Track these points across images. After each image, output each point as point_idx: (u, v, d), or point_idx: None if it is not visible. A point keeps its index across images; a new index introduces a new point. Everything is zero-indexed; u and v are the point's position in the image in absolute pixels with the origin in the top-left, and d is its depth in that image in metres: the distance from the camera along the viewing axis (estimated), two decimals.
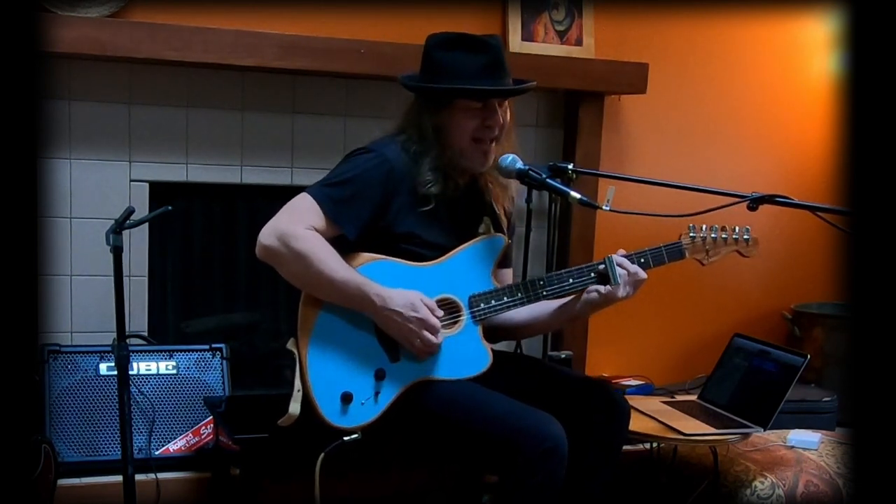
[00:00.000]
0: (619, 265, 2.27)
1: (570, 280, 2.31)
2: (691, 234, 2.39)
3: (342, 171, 2.25)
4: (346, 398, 2.19)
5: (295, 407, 2.17)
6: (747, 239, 2.44)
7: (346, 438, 2.16)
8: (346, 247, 2.21)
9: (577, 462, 2.17)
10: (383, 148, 2.27)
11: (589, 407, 2.28)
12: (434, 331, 2.18)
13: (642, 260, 2.33)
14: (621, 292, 2.26)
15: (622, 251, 2.33)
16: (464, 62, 2.22)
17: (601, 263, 2.29)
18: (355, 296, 2.17)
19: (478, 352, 2.30)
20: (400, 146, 2.28)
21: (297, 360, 2.21)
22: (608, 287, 2.27)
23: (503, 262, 2.43)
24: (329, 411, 2.19)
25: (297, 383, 2.20)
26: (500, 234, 2.38)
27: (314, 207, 2.18)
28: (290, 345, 2.26)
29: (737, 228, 2.42)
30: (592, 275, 2.30)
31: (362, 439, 2.18)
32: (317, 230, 2.17)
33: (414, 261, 2.27)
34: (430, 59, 2.27)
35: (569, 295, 2.34)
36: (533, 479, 2.07)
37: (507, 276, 2.52)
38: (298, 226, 2.15)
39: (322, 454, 2.15)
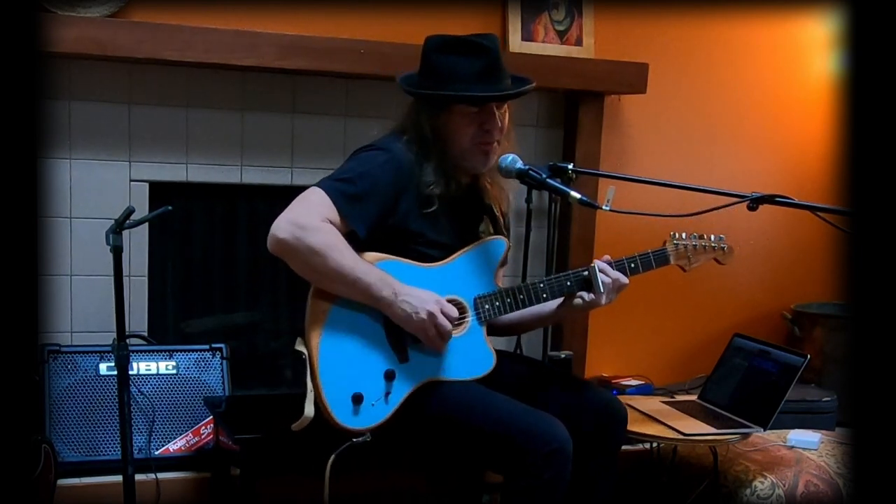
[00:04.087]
0: (602, 272, 2.29)
1: (569, 283, 2.34)
2: (675, 242, 2.44)
3: (352, 167, 2.24)
4: (357, 399, 2.19)
5: (310, 409, 2.14)
6: (723, 248, 2.49)
7: (355, 440, 2.15)
8: (354, 247, 2.19)
9: (577, 467, 2.17)
10: (391, 145, 2.26)
11: (586, 413, 2.30)
12: (451, 317, 2.18)
13: (632, 265, 2.37)
14: (604, 300, 2.30)
15: (607, 257, 2.35)
16: (460, 66, 2.22)
17: (586, 270, 2.32)
18: (373, 287, 2.15)
19: (483, 353, 2.32)
20: (404, 145, 2.28)
21: (307, 358, 2.18)
22: (591, 295, 2.30)
23: (503, 261, 2.44)
24: (340, 413, 2.18)
25: (309, 384, 2.17)
26: (502, 238, 2.40)
27: (326, 202, 2.15)
28: (299, 345, 2.22)
29: (712, 237, 2.48)
30: (586, 273, 2.32)
31: (370, 440, 2.17)
32: (331, 223, 2.15)
33: (420, 260, 2.27)
34: (428, 61, 2.28)
35: (566, 295, 2.36)
36: (539, 480, 2.08)
37: (501, 273, 2.54)
38: (314, 218, 2.12)
39: (332, 456, 2.13)
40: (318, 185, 2.19)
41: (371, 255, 2.23)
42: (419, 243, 2.27)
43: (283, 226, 2.12)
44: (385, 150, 2.25)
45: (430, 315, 2.15)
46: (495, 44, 2.27)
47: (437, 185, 2.25)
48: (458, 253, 2.32)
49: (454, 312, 2.19)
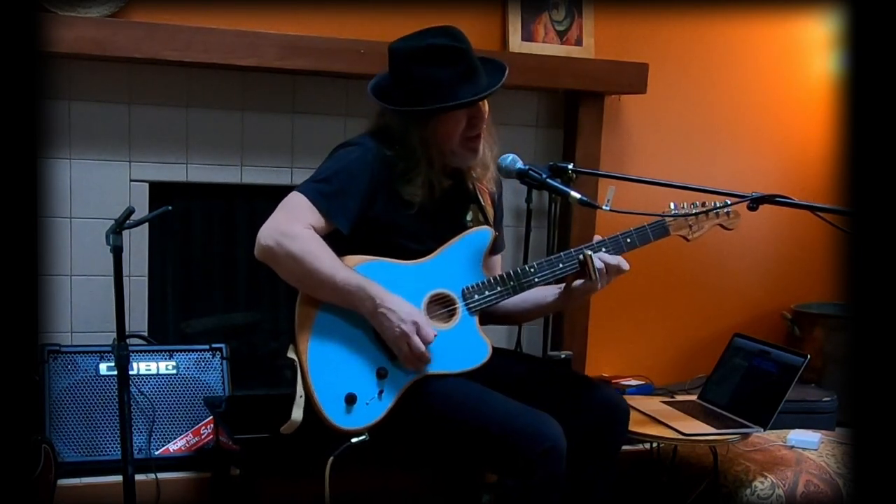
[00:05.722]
0: (601, 259, 2.27)
1: (560, 265, 2.32)
2: (674, 211, 2.40)
3: (328, 166, 2.28)
4: (351, 399, 2.19)
5: (298, 413, 2.16)
6: (728, 212, 2.45)
7: (353, 440, 2.15)
8: (338, 249, 2.21)
9: (578, 463, 2.18)
10: (365, 140, 2.29)
11: (588, 408, 2.29)
12: (427, 340, 2.18)
13: (629, 240, 2.35)
14: (600, 285, 2.28)
15: (597, 237, 2.33)
16: (442, 75, 2.22)
17: (581, 252, 2.29)
18: (354, 295, 2.16)
19: (477, 343, 2.31)
20: (379, 143, 2.28)
21: (298, 363, 2.20)
22: (587, 282, 2.28)
23: (492, 249, 2.44)
24: (334, 414, 2.18)
25: (300, 389, 2.18)
26: (487, 228, 2.39)
27: (307, 204, 2.19)
28: (291, 352, 2.24)
29: (716, 203, 2.40)
30: (582, 256, 2.30)
31: (369, 440, 2.17)
32: (314, 228, 2.17)
33: (404, 255, 2.28)
34: (406, 73, 2.26)
35: (559, 279, 2.35)
36: (533, 479, 2.08)
37: (497, 260, 2.54)
38: (296, 225, 2.15)
39: (331, 458, 2.13)
40: (298, 188, 2.23)
41: (355, 259, 2.23)
42: (403, 237, 2.28)
43: (267, 233, 2.16)
44: (359, 145, 2.28)
45: (404, 334, 2.15)
46: (466, 41, 2.26)
47: (419, 194, 2.26)
48: (443, 247, 2.32)
49: (430, 336, 2.18)
